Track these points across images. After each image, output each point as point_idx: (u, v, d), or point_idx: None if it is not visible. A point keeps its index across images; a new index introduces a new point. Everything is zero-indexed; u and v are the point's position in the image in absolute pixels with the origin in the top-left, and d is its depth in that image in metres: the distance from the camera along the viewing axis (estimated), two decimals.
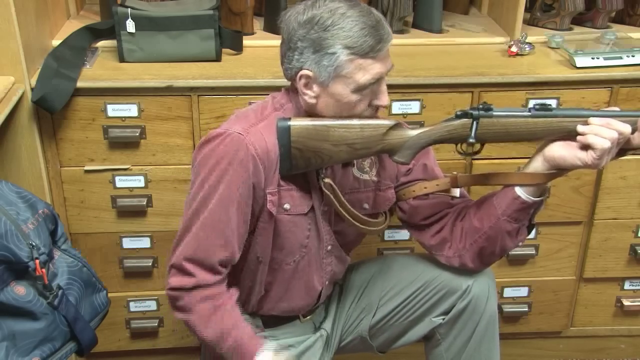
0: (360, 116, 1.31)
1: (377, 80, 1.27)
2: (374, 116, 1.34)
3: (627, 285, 2.05)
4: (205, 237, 1.29)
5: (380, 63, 1.26)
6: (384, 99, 1.30)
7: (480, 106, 1.29)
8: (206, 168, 1.28)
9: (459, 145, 1.34)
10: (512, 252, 1.95)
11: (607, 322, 2.11)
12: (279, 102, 1.36)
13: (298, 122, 1.30)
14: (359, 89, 1.26)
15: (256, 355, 1.30)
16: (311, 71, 1.27)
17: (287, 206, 1.35)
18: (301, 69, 1.27)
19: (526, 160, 1.35)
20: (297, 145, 1.30)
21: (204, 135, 1.34)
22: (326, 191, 1.36)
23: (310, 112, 1.33)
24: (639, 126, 1.24)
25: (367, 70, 1.25)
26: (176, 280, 1.31)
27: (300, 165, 1.33)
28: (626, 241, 1.98)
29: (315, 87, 1.28)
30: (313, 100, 1.30)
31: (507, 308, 2.04)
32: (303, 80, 1.29)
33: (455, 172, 1.43)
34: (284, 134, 1.30)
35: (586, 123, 1.24)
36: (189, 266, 1.29)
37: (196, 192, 1.30)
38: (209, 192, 1.28)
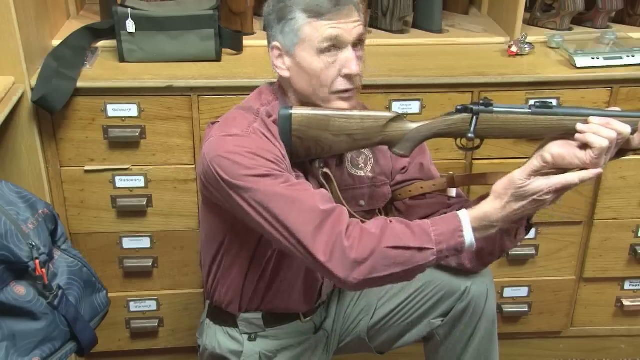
0: (332, 88, 1.30)
1: (339, 45, 1.27)
2: (359, 105, 1.34)
3: (627, 285, 2.05)
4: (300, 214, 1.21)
5: (339, 26, 1.26)
6: (351, 66, 1.28)
7: (481, 101, 1.29)
8: None
9: (458, 139, 1.34)
10: (512, 252, 1.95)
11: (607, 322, 2.11)
12: (267, 100, 1.38)
13: (299, 111, 1.31)
14: (319, 52, 1.27)
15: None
16: (279, 42, 1.31)
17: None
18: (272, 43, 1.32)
19: (526, 160, 1.35)
20: (298, 134, 1.31)
21: (203, 136, 1.34)
22: (323, 181, 1.37)
23: (289, 92, 1.35)
24: (639, 127, 1.24)
25: (323, 32, 1.26)
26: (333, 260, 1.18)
27: (301, 154, 1.33)
28: (626, 241, 1.98)
29: (286, 59, 1.32)
30: (286, 73, 1.33)
31: (507, 308, 2.04)
32: (275, 53, 1.32)
33: (451, 172, 1.43)
34: (285, 122, 1.30)
35: (586, 122, 1.24)
36: (320, 240, 1.19)
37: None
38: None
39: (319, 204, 1.21)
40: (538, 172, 1.21)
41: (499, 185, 1.22)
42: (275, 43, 1.32)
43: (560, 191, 1.20)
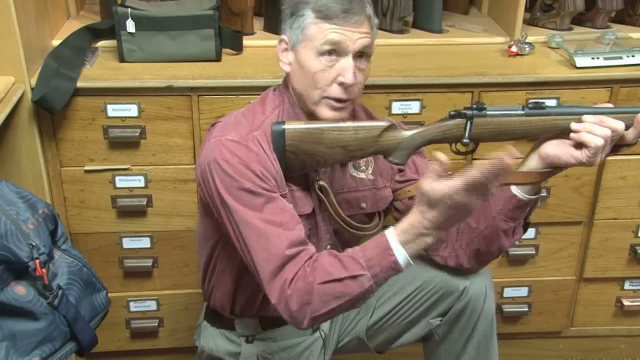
0: (325, 93, 1.30)
1: (340, 52, 1.27)
2: (371, 117, 1.34)
3: (627, 285, 2.05)
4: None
5: (344, 33, 1.26)
6: (347, 75, 1.27)
7: (474, 106, 1.29)
8: None
9: (453, 144, 1.34)
10: (512, 252, 1.95)
11: (607, 322, 2.11)
12: (271, 107, 1.37)
13: (292, 126, 1.31)
14: (319, 54, 1.27)
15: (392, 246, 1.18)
16: (286, 36, 1.32)
17: (290, 207, 1.35)
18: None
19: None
20: (292, 149, 1.31)
21: (203, 136, 1.34)
22: (319, 193, 1.37)
23: (290, 88, 1.36)
24: (633, 122, 1.24)
25: (326, 34, 1.26)
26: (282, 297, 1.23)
27: (295, 168, 1.33)
28: (626, 241, 1.98)
29: (290, 54, 1.33)
30: (287, 68, 1.34)
31: (507, 308, 2.04)
32: (282, 46, 1.34)
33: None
34: (279, 138, 1.30)
35: (580, 120, 1.24)
36: (276, 284, 1.23)
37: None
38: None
39: (285, 247, 1.22)
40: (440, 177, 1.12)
41: (417, 194, 1.17)
42: (284, 36, 1.33)
43: (471, 190, 1.10)
